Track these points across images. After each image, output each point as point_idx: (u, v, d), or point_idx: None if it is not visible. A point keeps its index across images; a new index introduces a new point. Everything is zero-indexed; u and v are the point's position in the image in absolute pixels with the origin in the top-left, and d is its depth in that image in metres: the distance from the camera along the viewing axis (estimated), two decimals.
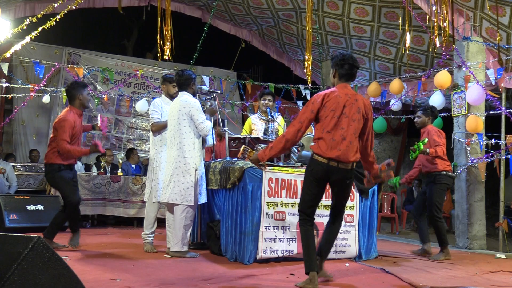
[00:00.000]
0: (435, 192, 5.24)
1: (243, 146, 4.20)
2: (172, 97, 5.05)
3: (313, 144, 3.54)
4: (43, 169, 5.05)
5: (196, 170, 4.59)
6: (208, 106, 4.89)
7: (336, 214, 3.72)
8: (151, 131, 5.09)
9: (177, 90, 4.85)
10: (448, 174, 5.26)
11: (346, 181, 3.55)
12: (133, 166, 8.54)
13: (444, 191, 5.31)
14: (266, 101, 5.64)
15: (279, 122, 5.72)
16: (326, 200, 4.56)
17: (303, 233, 3.53)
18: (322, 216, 4.58)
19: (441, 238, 5.21)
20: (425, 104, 6.82)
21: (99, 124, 5.26)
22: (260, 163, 3.70)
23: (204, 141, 4.93)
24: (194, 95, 4.84)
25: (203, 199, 4.81)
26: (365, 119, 3.55)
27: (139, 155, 9.44)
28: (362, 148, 3.62)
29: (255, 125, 5.68)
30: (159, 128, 4.97)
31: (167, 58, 6.13)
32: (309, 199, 3.55)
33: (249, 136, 4.95)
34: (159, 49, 6.18)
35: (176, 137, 4.61)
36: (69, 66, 8.70)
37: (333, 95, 3.49)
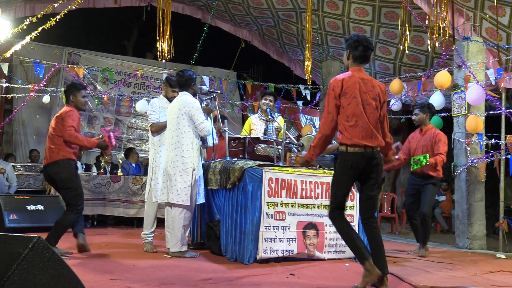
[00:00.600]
0: (433, 193, 5.42)
1: (288, 153, 4.17)
2: (169, 99, 5.06)
3: (341, 135, 3.44)
4: (51, 168, 4.58)
5: (194, 170, 4.58)
6: (204, 105, 4.88)
7: (370, 209, 3.51)
8: (150, 132, 5.09)
9: (176, 94, 4.86)
10: (441, 178, 5.61)
11: (379, 166, 3.47)
12: (134, 165, 8.54)
13: (434, 194, 5.63)
14: (268, 101, 5.65)
15: (279, 122, 5.72)
16: (326, 200, 4.57)
17: (342, 227, 3.44)
18: (322, 216, 4.58)
19: (427, 236, 5.42)
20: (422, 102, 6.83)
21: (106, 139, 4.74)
22: (311, 164, 3.65)
23: (204, 141, 4.93)
24: (194, 95, 4.84)
25: (201, 200, 4.80)
26: (382, 104, 3.52)
27: (139, 155, 9.44)
28: (381, 131, 3.56)
29: (255, 125, 5.68)
30: (159, 128, 4.97)
31: (167, 58, 6.13)
32: (343, 194, 3.48)
33: (249, 136, 4.96)
34: (159, 49, 6.18)
35: (174, 137, 4.61)
36: (69, 66, 8.70)
37: (351, 81, 3.42)
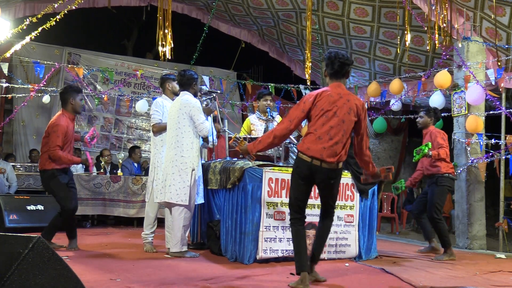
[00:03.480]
0: (436, 194, 5.23)
1: (235, 134, 4.22)
2: (176, 94, 5.03)
3: (302, 141, 3.52)
4: (40, 175, 4.98)
5: (193, 170, 4.58)
6: (204, 105, 4.88)
7: (324, 214, 3.70)
8: (152, 131, 5.08)
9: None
10: (450, 176, 5.27)
11: (330, 181, 3.51)
12: (135, 164, 8.52)
13: (445, 193, 5.31)
14: (268, 102, 5.67)
15: (278, 121, 5.72)
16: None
17: (293, 233, 3.52)
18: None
19: (443, 240, 5.21)
20: (427, 104, 6.83)
21: (87, 137, 5.09)
22: (249, 155, 3.69)
23: (207, 141, 4.93)
24: (195, 95, 4.84)
25: (200, 200, 4.80)
26: (358, 119, 3.50)
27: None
28: (357, 148, 3.61)
29: (255, 125, 5.68)
30: (160, 129, 4.96)
31: (167, 58, 6.13)
32: (296, 198, 3.54)
33: (249, 136, 4.96)
34: (159, 49, 6.18)
35: (174, 136, 4.61)
36: (69, 66, 8.70)
37: (325, 94, 3.47)
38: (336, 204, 4.73)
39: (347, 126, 3.45)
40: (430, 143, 5.15)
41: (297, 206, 3.53)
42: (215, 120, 5.34)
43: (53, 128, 4.71)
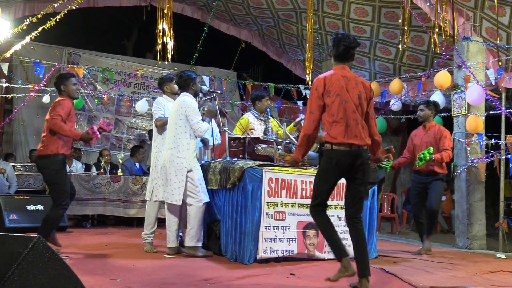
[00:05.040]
0: (441, 189, 5.44)
1: (278, 152, 4.16)
2: (176, 95, 5.05)
3: (326, 133, 3.42)
4: (39, 162, 4.67)
5: (189, 171, 4.59)
6: (206, 108, 4.86)
7: (356, 209, 3.48)
8: (155, 128, 5.08)
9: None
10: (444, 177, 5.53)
11: (368, 163, 3.46)
12: (137, 164, 8.49)
13: (441, 190, 5.55)
14: (269, 102, 5.70)
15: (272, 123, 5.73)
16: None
17: (323, 223, 3.46)
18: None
19: (432, 229, 5.50)
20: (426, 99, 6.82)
21: (96, 129, 4.58)
22: (300, 163, 3.65)
23: (206, 143, 4.93)
24: (196, 95, 4.84)
25: (205, 198, 4.78)
26: (368, 101, 3.49)
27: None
28: (370, 128, 3.54)
29: (253, 124, 5.66)
30: (163, 123, 4.97)
31: (167, 58, 6.13)
32: (327, 191, 3.47)
33: (249, 136, 4.95)
34: (158, 49, 6.17)
35: (172, 137, 4.65)
36: (69, 66, 8.69)
37: (334, 78, 3.41)
38: (336, 204, 4.78)
39: (362, 110, 3.43)
40: (431, 148, 5.15)
41: (325, 200, 3.48)
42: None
43: (59, 102, 4.53)
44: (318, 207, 3.49)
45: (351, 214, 3.48)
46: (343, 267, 3.33)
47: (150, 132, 8.62)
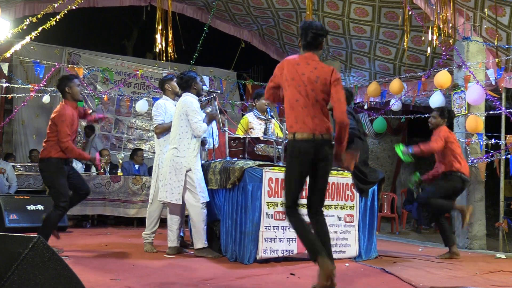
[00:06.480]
0: (442, 185, 5.22)
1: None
2: (177, 94, 5.06)
3: (287, 123, 3.28)
4: (39, 165, 4.81)
5: (189, 171, 4.59)
6: (209, 111, 4.86)
7: (319, 202, 3.32)
8: (155, 133, 5.11)
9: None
10: (461, 176, 5.18)
11: (330, 155, 3.24)
12: (136, 166, 8.48)
13: (447, 189, 5.22)
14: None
15: (274, 123, 5.72)
16: (327, 200, 4.56)
17: (296, 223, 3.25)
18: None
19: (432, 220, 5.34)
20: (427, 104, 6.79)
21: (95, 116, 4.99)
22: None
23: (204, 144, 4.94)
24: (199, 94, 4.85)
25: (205, 198, 4.78)
26: (327, 86, 3.26)
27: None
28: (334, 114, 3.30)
29: (253, 124, 5.66)
30: (163, 130, 4.99)
31: (167, 58, 6.13)
32: (296, 187, 3.25)
33: (249, 136, 4.95)
34: (158, 49, 6.18)
35: (175, 136, 4.66)
36: (69, 66, 8.69)
37: (292, 63, 3.31)
38: (336, 204, 4.78)
39: (319, 95, 3.24)
40: (401, 144, 5.16)
41: (296, 198, 3.27)
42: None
43: (60, 119, 4.59)
44: (291, 207, 3.28)
45: (315, 209, 3.34)
46: (320, 268, 3.08)
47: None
